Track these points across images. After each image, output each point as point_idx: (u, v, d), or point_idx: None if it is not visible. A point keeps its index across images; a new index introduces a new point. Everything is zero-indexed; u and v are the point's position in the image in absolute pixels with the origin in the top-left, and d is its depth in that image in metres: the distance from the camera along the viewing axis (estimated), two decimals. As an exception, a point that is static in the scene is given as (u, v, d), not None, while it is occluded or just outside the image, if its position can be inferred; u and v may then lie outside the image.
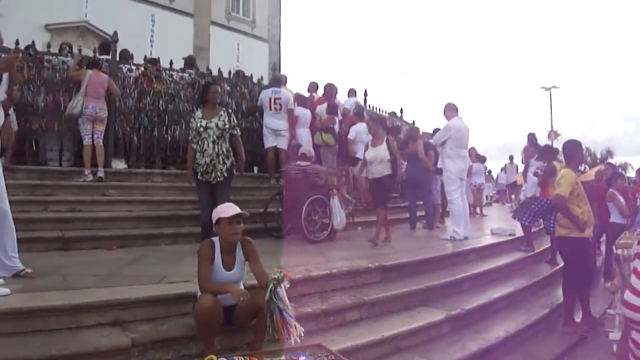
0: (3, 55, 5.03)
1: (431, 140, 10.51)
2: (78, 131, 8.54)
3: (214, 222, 4.19)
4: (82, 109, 8.30)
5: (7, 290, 4.36)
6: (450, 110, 9.06)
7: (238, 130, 7.00)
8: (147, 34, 19.20)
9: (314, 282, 5.58)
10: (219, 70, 10.62)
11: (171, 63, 10.01)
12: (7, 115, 5.03)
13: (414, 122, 15.74)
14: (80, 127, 8.44)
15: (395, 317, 5.61)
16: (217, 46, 21.45)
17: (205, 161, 6.71)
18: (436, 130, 10.58)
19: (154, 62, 9.94)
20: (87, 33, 17.93)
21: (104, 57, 9.27)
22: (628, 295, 2.72)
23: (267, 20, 25.05)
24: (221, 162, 6.74)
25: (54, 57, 8.92)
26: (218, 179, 6.74)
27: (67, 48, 9.51)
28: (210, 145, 6.70)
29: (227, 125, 6.77)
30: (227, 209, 4.15)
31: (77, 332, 4.04)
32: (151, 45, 18.53)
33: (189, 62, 10.84)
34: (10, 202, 4.99)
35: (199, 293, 4.13)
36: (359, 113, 11.53)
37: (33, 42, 8.98)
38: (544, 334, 6.51)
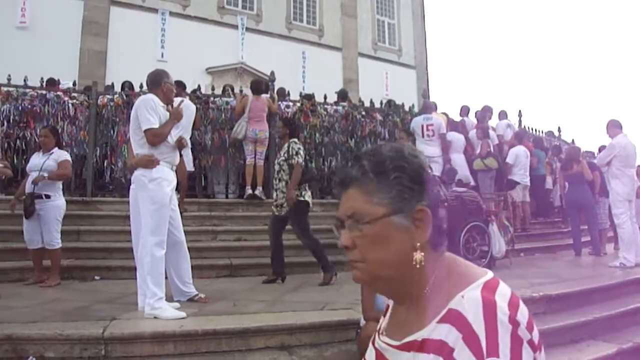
0: (179, 100, 5.54)
1: (595, 160, 9.94)
2: (242, 165, 9.14)
3: None
4: (246, 133, 8.91)
5: (183, 314, 4.74)
6: (614, 127, 8.52)
7: (297, 159, 6.77)
8: (299, 70, 20.03)
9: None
10: (371, 101, 10.85)
11: (325, 97, 10.39)
12: (180, 155, 5.52)
13: (573, 140, 14.96)
14: (244, 149, 9.03)
15: (562, 350, 5.30)
16: (365, 77, 21.87)
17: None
18: (602, 149, 9.99)
19: (309, 97, 10.40)
20: (244, 73, 19.10)
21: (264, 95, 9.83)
22: None
23: (413, 47, 25.15)
24: (281, 197, 6.84)
25: (218, 98, 9.65)
26: (280, 213, 6.87)
27: (229, 90, 10.24)
28: (274, 182, 7.00)
29: (281, 159, 6.84)
30: None
31: (247, 354, 4.30)
32: (303, 81, 19.31)
33: (342, 95, 11.18)
34: (184, 232, 5.47)
35: (361, 320, 4.21)
36: (519, 135, 11.20)
37: (199, 85, 9.78)
38: None
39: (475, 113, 12.03)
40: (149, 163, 4.91)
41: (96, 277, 6.85)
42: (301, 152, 6.88)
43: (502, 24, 77.11)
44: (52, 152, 6.73)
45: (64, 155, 6.86)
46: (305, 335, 4.55)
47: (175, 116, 5.23)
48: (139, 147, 5.03)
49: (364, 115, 10.49)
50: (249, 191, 8.92)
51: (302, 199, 6.77)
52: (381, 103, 11.28)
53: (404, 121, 10.79)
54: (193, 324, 4.59)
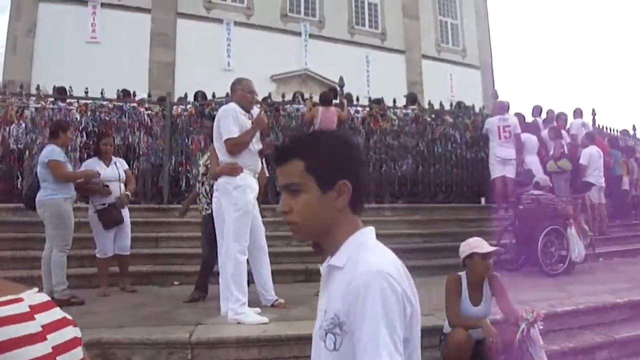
0: (256, 109, 5.61)
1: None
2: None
3: (465, 255, 4.18)
4: None
5: (265, 319, 4.79)
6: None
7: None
8: (364, 75, 20.00)
9: (559, 318, 5.30)
10: (441, 104, 10.74)
11: (394, 101, 10.35)
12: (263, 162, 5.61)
13: (651, 140, 14.36)
14: None
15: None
16: (429, 79, 21.65)
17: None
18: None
19: (379, 102, 10.39)
20: (309, 80, 19.24)
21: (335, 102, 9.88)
22: None
23: (477, 47, 24.73)
24: (205, 202, 6.46)
25: (289, 105, 9.75)
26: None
27: (299, 96, 10.33)
28: (198, 185, 6.68)
29: (208, 161, 6.49)
30: (480, 244, 4.14)
31: None
32: (368, 85, 19.28)
33: (411, 98, 11.11)
34: (261, 238, 5.55)
35: (445, 327, 4.16)
36: (591, 135, 10.84)
37: (269, 93, 9.92)
38: None
39: (547, 113, 11.72)
40: (233, 171, 5.00)
41: (175, 283, 7.01)
42: None
43: (569, 17, 74.81)
44: (115, 161, 6.92)
45: (124, 162, 7.10)
46: (390, 342, 4.52)
47: (258, 124, 5.30)
48: (222, 155, 5.13)
49: (433, 118, 10.39)
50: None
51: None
52: (451, 105, 11.15)
53: (474, 123, 10.62)
54: (276, 329, 4.64)
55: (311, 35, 20.13)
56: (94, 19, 17.36)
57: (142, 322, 5.04)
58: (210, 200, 5.78)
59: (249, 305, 4.98)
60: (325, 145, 1.52)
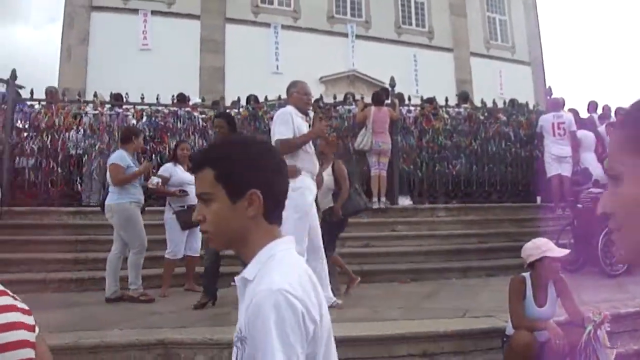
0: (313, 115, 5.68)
1: None
2: (366, 171, 9.20)
3: (535, 258, 4.09)
4: (372, 144, 8.97)
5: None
6: None
7: None
8: (412, 74, 19.84)
9: (623, 319, 5.13)
10: (494, 102, 10.59)
11: (446, 100, 10.25)
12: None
13: None
14: (369, 160, 9.09)
15: None
16: (479, 76, 21.34)
17: None
18: None
19: (430, 101, 10.31)
20: (357, 80, 19.24)
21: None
22: None
23: (526, 42, 24.26)
24: None
25: (340, 106, 9.78)
26: None
27: (350, 97, 10.34)
28: None
29: None
30: (550, 247, 4.05)
31: None
32: (416, 84, 19.13)
33: (463, 96, 11.00)
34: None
35: (508, 328, 4.10)
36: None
37: (321, 95, 9.94)
38: None
39: (603, 108, 11.41)
40: (292, 173, 5.02)
41: (232, 283, 7.09)
42: None
43: (626, 6, 72.54)
44: None
45: None
46: (448, 343, 4.49)
47: (316, 133, 5.33)
48: (279, 158, 5.18)
49: (487, 116, 10.24)
50: (375, 205, 8.93)
51: None
52: (504, 103, 10.98)
53: (528, 120, 10.42)
54: (335, 331, 4.61)
55: (358, 36, 20.12)
56: (145, 26, 17.77)
57: (203, 322, 5.14)
58: None
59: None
60: (236, 154, 1.48)
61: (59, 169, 9.20)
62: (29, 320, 1.53)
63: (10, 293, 1.56)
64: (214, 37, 18.21)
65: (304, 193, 5.05)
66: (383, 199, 9.02)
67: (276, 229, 1.51)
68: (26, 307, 1.55)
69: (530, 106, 10.86)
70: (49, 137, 9.32)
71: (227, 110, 9.70)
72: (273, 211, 1.49)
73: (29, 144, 9.43)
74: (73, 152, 9.43)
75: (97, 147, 9.31)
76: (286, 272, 1.36)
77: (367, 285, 6.97)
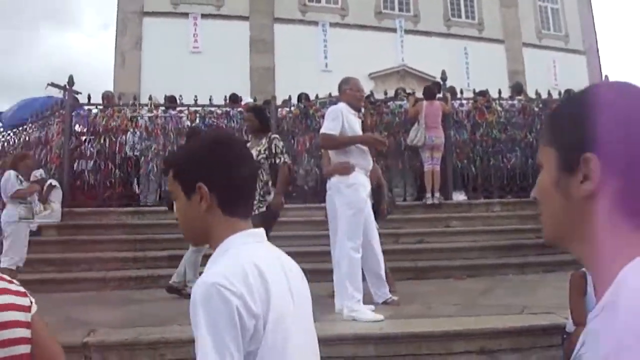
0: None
1: None
2: (418, 167, 9.13)
3: None
4: (425, 139, 8.90)
5: (381, 317, 4.79)
6: None
7: (283, 158, 5.92)
8: (462, 67, 19.56)
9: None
10: (549, 93, 10.34)
11: (500, 92, 10.08)
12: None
13: None
14: (421, 155, 9.02)
15: None
16: (531, 67, 20.88)
17: None
18: None
19: (483, 94, 10.15)
20: (407, 76, 19.11)
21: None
22: None
23: (580, 31, 23.59)
24: (257, 198, 5.68)
25: (391, 102, 9.73)
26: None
27: (402, 92, 10.28)
28: None
29: (261, 156, 5.84)
30: None
31: (446, 357, 4.26)
32: (467, 77, 18.87)
33: (517, 88, 10.79)
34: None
35: (568, 325, 4.00)
36: None
37: (371, 91, 9.92)
38: None
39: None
40: (345, 170, 5.04)
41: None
42: (285, 149, 6.15)
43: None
44: None
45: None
46: (506, 340, 4.43)
47: (368, 141, 5.32)
48: (334, 155, 5.19)
49: (541, 108, 10.00)
50: (429, 201, 8.86)
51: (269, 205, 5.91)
52: (559, 93, 10.70)
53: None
54: (393, 327, 4.64)
55: (407, 31, 19.98)
56: (195, 29, 18.10)
57: None
58: (262, 198, 5.73)
59: (363, 303, 5.00)
60: (187, 151, 1.60)
61: (116, 170, 9.47)
62: (23, 301, 1.63)
63: (6, 277, 1.68)
64: (263, 37, 18.39)
65: (358, 189, 5.04)
66: (437, 194, 8.94)
67: (239, 222, 1.49)
68: (21, 290, 1.65)
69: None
70: (107, 140, 9.62)
71: (279, 109, 9.80)
72: (230, 204, 1.48)
73: (88, 147, 9.75)
74: (130, 154, 9.69)
75: (153, 148, 9.55)
76: (229, 266, 1.36)
77: (421, 281, 6.94)
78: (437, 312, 5.15)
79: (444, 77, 9.92)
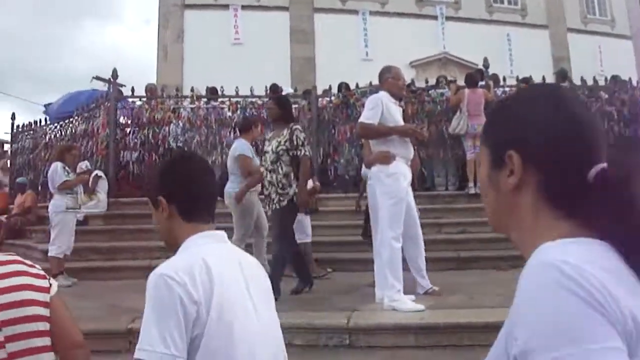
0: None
1: None
2: (461, 156, 9.04)
3: None
4: (467, 128, 8.79)
5: (422, 307, 4.78)
6: None
7: (304, 150, 5.72)
8: (505, 54, 19.22)
9: None
10: (594, 79, 10.09)
11: (543, 79, 9.87)
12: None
13: None
14: (464, 144, 8.94)
15: None
16: (576, 53, 20.36)
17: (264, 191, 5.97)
18: None
19: (526, 81, 9.94)
20: (448, 63, 18.89)
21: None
22: None
23: (627, 15, 22.86)
24: (275, 192, 5.71)
25: (433, 90, 9.64)
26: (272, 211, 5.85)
27: (443, 80, 10.17)
28: (266, 173, 5.85)
29: (280, 147, 5.69)
30: None
31: (487, 349, 4.19)
32: (510, 64, 18.54)
33: (562, 75, 10.53)
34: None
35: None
36: None
37: (412, 80, 9.84)
38: None
39: None
40: (385, 159, 5.03)
41: (328, 269, 7.17)
42: (307, 141, 5.99)
43: None
44: None
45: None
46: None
47: (405, 131, 5.28)
48: (375, 144, 5.19)
49: (587, 95, 9.76)
50: (472, 190, 8.76)
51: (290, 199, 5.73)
52: (605, 80, 10.44)
53: (633, 97, 9.85)
54: (433, 317, 4.63)
55: (448, 18, 19.73)
56: (236, 21, 18.24)
57: (301, 307, 5.25)
58: (281, 190, 5.65)
59: (403, 293, 4.99)
60: (153, 170, 2.15)
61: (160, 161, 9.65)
62: (42, 283, 1.87)
63: (27, 262, 1.93)
64: (303, 28, 18.41)
65: (398, 179, 5.02)
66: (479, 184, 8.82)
67: (199, 226, 1.73)
68: (41, 273, 1.90)
69: (634, 82, 10.25)
70: (150, 131, 9.81)
71: (319, 99, 9.82)
72: (189, 211, 1.74)
73: (132, 139, 9.97)
74: (173, 145, 9.85)
75: (195, 139, 9.69)
76: (179, 260, 1.61)
77: (463, 272, 6.87)
78: (480, 303, 5.10)
79: (486, 64, 9.76)
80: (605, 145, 0.95)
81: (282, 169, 5.65)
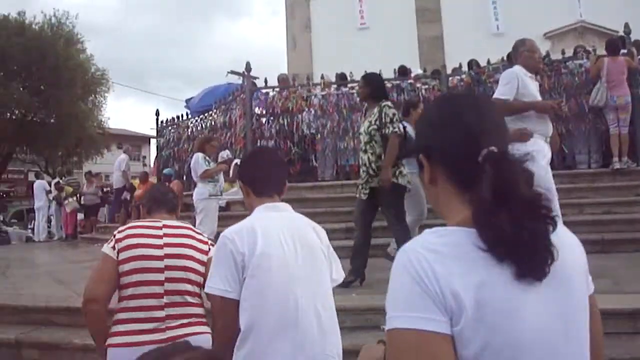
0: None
1: None
2: (603, 131, 8.54)
3: None
4: (607, 100, 8.28)
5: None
6: None
7: (393, 128, 5.42)
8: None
9: None
10: None
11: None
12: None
13: None
14: (606, 117, 8.43)
15: None
16: None
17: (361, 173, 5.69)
18: None
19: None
20: (585, 32, 17.69)
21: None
22: None
23: None
24: (365, 174, 5.53)
25: (570, 61, 9.15)
26: (366, 195, 5.55)
27: (581, 51, 9.61)
28: (361, 154, 5.65)
29: (372, 127, 5.49)
30: None
31: (633, 337, 3.97)
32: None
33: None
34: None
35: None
36: None
37: (547, 52, 9.40)
38: None
39: None
40: (523, 136, 4.86)
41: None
42: (397, 117, 5.60)
43: None
44: None
45: None
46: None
47: (544, 108, 5.08)
48: (511, 121, 5.01)
49: None
50: (617, 165, 8.23)
51: (396, 182, 5.45)
52: None
53: None
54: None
55: (584, -17, 18.44)
56: (360, 6, 18.26)
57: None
58: (373, 172, 5.48)
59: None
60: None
61: (295, 148, 9.98)
62: (202, 246, 2.78)
63: (196, 230, 2.98)
64: (429, 6, 18.02)
65: (536, 157, 4.82)
66: (625, 158, 8.27)
67: (264, 199, 2.44)
68: (204, 239, 2.85)
69: None
70: (284, 120, 10.16)
71: (450, 79, 9.66)
72: (255, 190, 2.46)
73: (268, 128, 10.39)
74: (306, 132, 10.17)
75: (328, 126, 9.92)
76: (235, 225, 2.29)
77: (607, 255, 6.48)
78: (626, 288, 4.83)
79: (627, 31, 9.03)
80: (497, 130, 1.21)
81: (375, 150, 5.54)
